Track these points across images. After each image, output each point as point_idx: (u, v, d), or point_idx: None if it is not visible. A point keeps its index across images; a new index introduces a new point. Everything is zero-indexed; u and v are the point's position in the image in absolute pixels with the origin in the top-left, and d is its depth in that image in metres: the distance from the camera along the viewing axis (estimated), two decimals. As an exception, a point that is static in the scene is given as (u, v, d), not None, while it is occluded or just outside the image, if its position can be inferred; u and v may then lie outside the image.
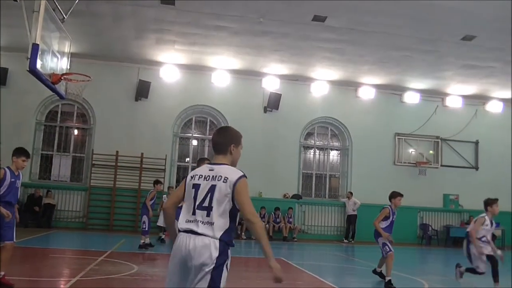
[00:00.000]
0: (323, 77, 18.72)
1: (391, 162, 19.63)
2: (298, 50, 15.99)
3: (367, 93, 19.48)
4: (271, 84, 18.66)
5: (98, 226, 16.93)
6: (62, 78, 9.06)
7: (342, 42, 14.96)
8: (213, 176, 3.46)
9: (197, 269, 3.25)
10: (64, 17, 9.22)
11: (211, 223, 3.33)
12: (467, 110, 20.29)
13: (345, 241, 18.16)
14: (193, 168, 7.16)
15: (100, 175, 17.37)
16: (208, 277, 3.23)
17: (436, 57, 15.84)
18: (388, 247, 8.41)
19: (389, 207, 8.62)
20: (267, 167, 18.28)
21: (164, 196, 14.47)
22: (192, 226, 3.36)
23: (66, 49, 9.75)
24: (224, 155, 3.62)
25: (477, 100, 20.30)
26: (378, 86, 19.32)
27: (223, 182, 3.41)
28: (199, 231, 3.32)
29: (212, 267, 3.24)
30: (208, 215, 3.35)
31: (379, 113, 19.67)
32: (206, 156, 18.48)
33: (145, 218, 12.19)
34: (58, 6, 8.90)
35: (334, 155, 20.35)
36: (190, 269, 3.29)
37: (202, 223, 3.34)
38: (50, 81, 8.61)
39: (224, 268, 3.31)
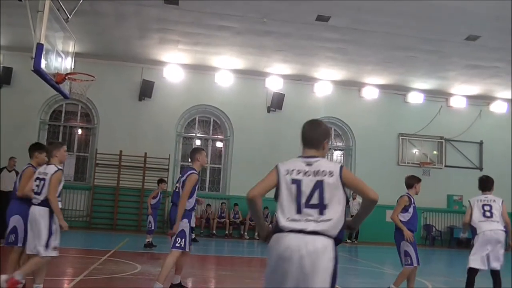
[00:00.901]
0: (326, 77, 18.70)
1: (395, 163, 19.60)
2: (302, 50, 15.97)
3: (370, 93, 19.45)
4: (274, 84, 18.64)
5: (102, 226, 16.95)
6: (66, 77, 9.09)
7: (345, 42, 14.94)
8: (314, 171, 3.21)
9: (312, 274, 2.98)
10: (68, 17, 9.25)
11: (328, 220, 3.08)
12: (471, 110, 20.23)
13: (349, 241, 18.13)
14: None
15: (104, 174, 17.40)
16: (327, 284, 3.00)
17: (440, 57, 15.80)
18: (411, 259, 6.91)
19: (407, 195, 7.07)
20: (270, 167, 17.89)
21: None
22: (302, 226, 3.08)
23: (70, 49, 9.78)
24: (317, 150, 3.36)
25: (481, 100, 20.24)
26: (381, 86, 19.29)
27: (330, 176, 3.18)
28: (315, 229, 3.06)
29: (331, 271, 3.03)
30: (321, 213, 3.11)
31: (383, 113, 19.64)
32: (208, 157, 18.51)
33: (150, 217, 12.28)
34: (63, 6, 8.93)
35: (337, 155, 20.33)
36: (302, 274, 2.99)
37: (315, 222, 3.08)
38: (55, 80, 8.64)
39: (337, 272, 3.08)
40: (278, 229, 3.18)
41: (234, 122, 18.73)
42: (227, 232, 17.34)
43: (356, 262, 13.47)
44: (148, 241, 12.19)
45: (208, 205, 17.62)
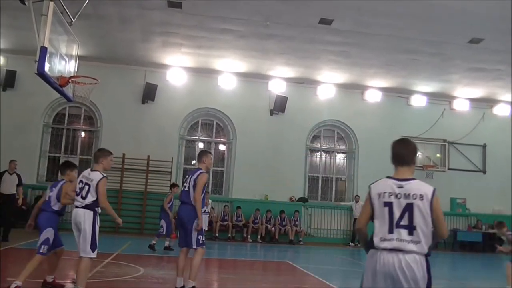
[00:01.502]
0: (329, 80, 18.70)
1: (398, 166, 19.53)
2: (304, 53, 15.98)
3: (373, 96, 19.46)
4: (277, 87, 18.68)
5: (104, 228, 16.73)
6: (70, 81, 9.11)
7: (348, 45, 14.94)
8: (405, 194, 3.51)
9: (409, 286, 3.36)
10: (72, 20, 9.27)
11: (417, 242, 3.41)
12: (475, 113, 20.21)
13: (351, 244, 18.11)
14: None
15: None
16: None
17: (443, 60, 15.78)
18: None
19: None
20: (273, 170, 18.29)
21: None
22: (394, 245, 3.43)
23: (74, 52, 9.80)
24: (408, 167, 3.67)
25: (485, 103, 20.21)
26: (384, 89, 19.29)
27: (420, 199, 3.47)
28: (405, 248, 3.40)
29: (425, 283, 3.38)
30: (411, 233, 3.43)
31: (386, 116, 19.63)
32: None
33: (162, 221, 12.38)
34: (66, 9, 8.95)
35: (340, 158, 20.32)
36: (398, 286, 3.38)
37: (406, 242, 3.42)
38: (58, 84, 8.66)
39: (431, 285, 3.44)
40: (373, 247, 3.54)
41: (237, 125, 18.76)
42: (230, 235, 17.33)
43: (359, 265, 13.43)
44: (154, 243, 12.23)
45: (211, 208, 17.62)
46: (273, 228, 17.64)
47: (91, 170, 6.38)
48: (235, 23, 13.81)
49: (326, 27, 13.62)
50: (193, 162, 18.84)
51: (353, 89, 19.27)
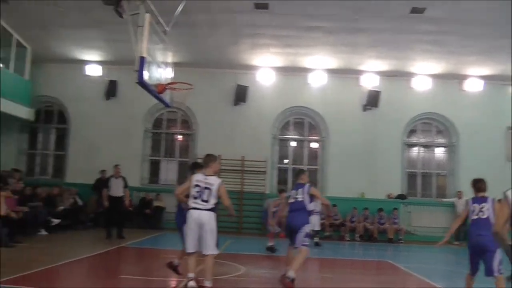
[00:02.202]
0: (424, 71, 17.91)
1: (504, 158, 18.25)
2: (396, 45, 15.45)
3: (473, 85, 18.33)
4: (369, 81, 18.23)
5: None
6: (167, 87, 9.52)
7: (443, 33, 14.21)
8: None
9: None
10: (166, 29, 9.69)
11: None
12: None
13: (456, 243, 17.16)
14: (293, 170, 7.65)
15: (204, 178, 17.96)
16: None
17: (552, 41, 14.48)
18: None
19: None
20: (368, 167, 17.88)
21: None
22: None
23: (169, 59, 10.24)
24: None
25: None
26: (485, 77, 18.09)
27: None
28: None
29: None
30: None
31: (488, 106, 18.39)
32: (305, 158, 18.49)
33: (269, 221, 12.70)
34: (160, 20, 9.37)
35: (440, 152, 19.36)
36: None
37: None
38: (156, 91, 9.09)
39: None
40: None
41: (329, 122, 18.55)
42: (327, 233, 17.15)
43: (465, 265, 12.71)
44: (271, 245, 12.40)
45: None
46: (372, 226, 17.23)
47: (205, 175, 6.94)
48: (322, 20, 13.67)
49: (418, 16, 13.07)
50: (286, 161, 18.87)
51: (450, 79, 18.29)
